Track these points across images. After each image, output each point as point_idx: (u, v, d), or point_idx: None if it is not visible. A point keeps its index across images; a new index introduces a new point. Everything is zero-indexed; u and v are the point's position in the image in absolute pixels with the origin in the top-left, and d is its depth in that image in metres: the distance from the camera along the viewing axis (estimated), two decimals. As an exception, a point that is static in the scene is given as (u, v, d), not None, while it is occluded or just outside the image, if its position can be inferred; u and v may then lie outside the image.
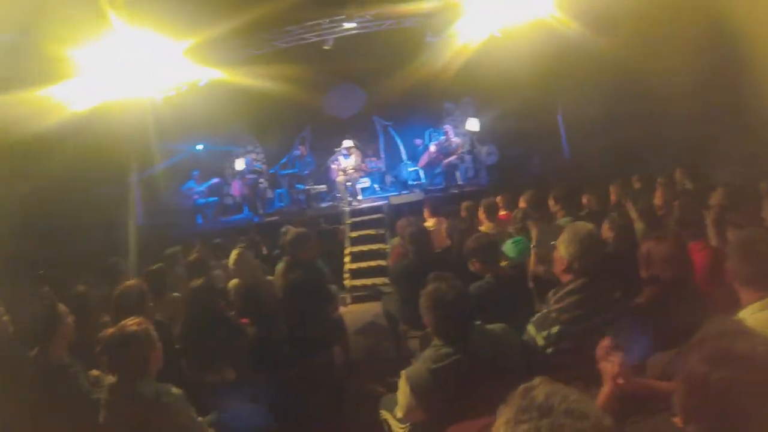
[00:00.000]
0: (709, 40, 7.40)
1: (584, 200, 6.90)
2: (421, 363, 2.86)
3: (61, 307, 3.78)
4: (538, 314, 3.13)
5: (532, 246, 4.88)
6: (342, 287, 9.40)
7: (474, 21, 10.20)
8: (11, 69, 7.65)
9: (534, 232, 5.26)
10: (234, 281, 5.74)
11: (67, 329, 3.72)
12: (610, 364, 2.37)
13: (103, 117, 9.65)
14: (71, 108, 9.09)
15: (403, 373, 2.93)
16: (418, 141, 14.55)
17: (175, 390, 3.05)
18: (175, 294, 5.66)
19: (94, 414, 3.17)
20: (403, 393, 2.88)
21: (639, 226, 5.10)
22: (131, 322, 3.06)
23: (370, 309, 8.51)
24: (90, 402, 3.42)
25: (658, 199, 6.02)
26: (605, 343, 2.42)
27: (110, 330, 3.08)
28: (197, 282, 4.55)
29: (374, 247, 10.31)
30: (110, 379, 3.07)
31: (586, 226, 3.25)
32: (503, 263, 4.40)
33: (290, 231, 7.55)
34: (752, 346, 1.55)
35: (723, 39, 7.18)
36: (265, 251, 7.51)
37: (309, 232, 5.49)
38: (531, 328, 3.08)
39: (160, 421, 2.91)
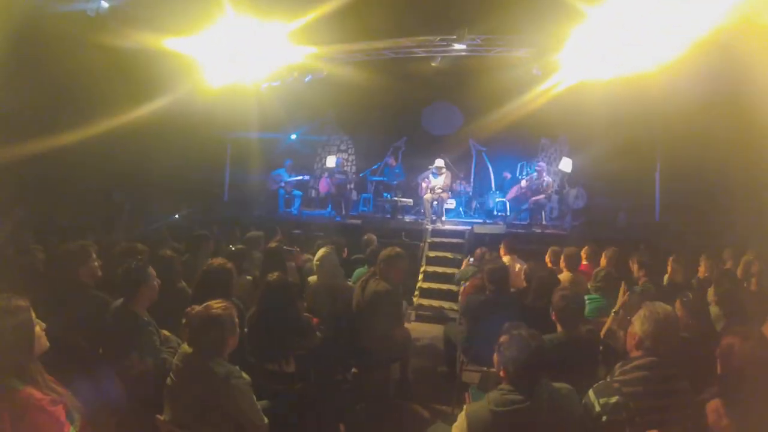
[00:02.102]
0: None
1: (669, 269, 6.70)
2: (485, 403, 2.89)
3: (151, 269, 4.12)
4: (601, 382, 3.13)
5: (613, 310, 4.82)
6: (409, 303, 9.45)
7: (584, 63, 10.09)
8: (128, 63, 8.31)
9: (621, 298, 5.16)
10: (313, 278, 5.93)
11: (151, 291, 4.06)
12: None
13: (211, 105, 10.22)
14: (186, 99, 9.69)
15: (465, 407, 2.99)
16: (507, 174, 14.46)
17: (244, 375, 3.23)
18: (248, 277, 5.92)
19: (160, 372, 3.48)
20: (459, 428, 2.92)
21: (714, 310, 4.91)
22: (218, 305, 3.28)
23: (431, 330, 8.56)
24: (158, 360, 3.74)
25: (753, 286, 5.80)
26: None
27: (198, 308, 3.29)
28: (274, 275, 4.70)
29: (449, 270, 10.30)
30: (185, 348, 3.26)
31: (664, 307, 3.22)
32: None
33: (372, 241, 7.77)
34: None
35: None
36: (345, 254, 7.66)
37: (403, 255, 5.48)
38: (591, 394, 3.08)
39: (225, 400, 3.10)
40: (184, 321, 3.29)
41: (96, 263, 4.68)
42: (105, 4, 8.19)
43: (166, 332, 4.13)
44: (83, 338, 3.78)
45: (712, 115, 8.88)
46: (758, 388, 3.15)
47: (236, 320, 3.34)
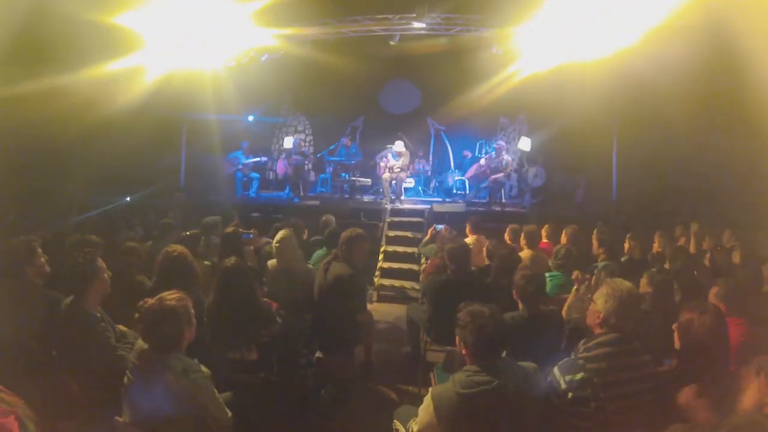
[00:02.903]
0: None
1: (626, 246, 6.82)
2: (450, 385, 2.89)
3: (100, 262, 3.91)
4: (566, 359, 3.14)
5: (574, 288, 4.86)
6: (371, 284, 9.43)
7: (545, 47, 10.14)
8: (72, 39, 7.87)
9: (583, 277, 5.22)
10: (273, 262, 5.82)
11: (102, 285, 3.86)
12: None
13: (164, 86, 9.89)
14: (137, 79, 9.35)
15: (431, 390, 2.97)
16: (467, 153, 14.49)
17: (203, 368, 3.12)
18: (207, 262, 5.79)
19: (117, 370, 3.28)
20: (425, 410, 2.91)
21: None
22: (172, 297, 3.12)
23: (393, 311, 8.56)
24: (114, 358, 3.57)
25: (707, 261, 5.95)
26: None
27: (150, 301, 3.13)
28: (230, 260, 4.59)
29: (409, 249, 10.31)
30: (141, 344, 3.12)
31: (626, 284, 3.25)
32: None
33: (330, 222, 7.68)
34: None
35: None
36: (304, 236, 7.56)
37: (365, 235, 5.40)
38: (556, 371, 3.10)
39: (184, 395, 2.97)
40: (136, 315, 3.13)
41: (42, 259, 4.45)
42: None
43: (122, 327, 3.99)
44: (34, 341, 3.62)
45: (665, 99, 9.07)
46: (715, 360, 3.22)
47: (192, 311, 3.20)
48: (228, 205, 11.30)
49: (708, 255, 6.44)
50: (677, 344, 3.38)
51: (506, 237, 7.32)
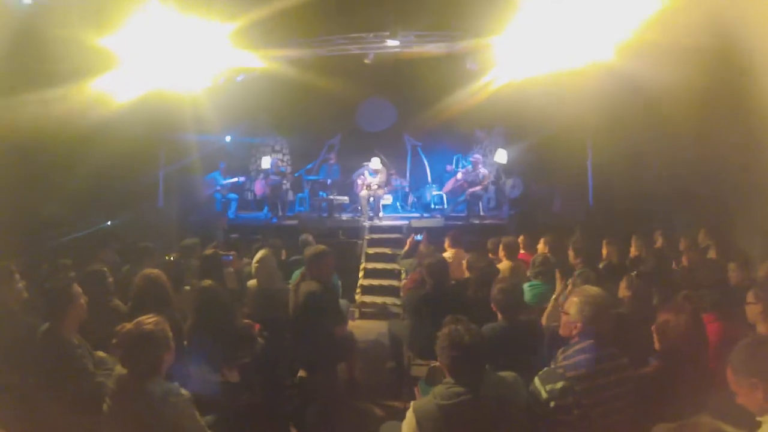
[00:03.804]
0: (750, 107, 7.41)
1: (604, 251, 6.90)
2: (431, 398, 2.90)
3: (75, 288, 3.86)
4: (546, 369, 3.17)
5: (553, 297, 4.91)
6: (352, 302, 9.40)
7: (518, 61, 10.28)
8: (48, 59, 7.79)
9: (559, 286, 5.27)
10: (253, 282, 5.80)
11: (78, 310, 3.81)
12: None
13: (140, 106, 9.81)
14: (111, 99, 9.26)
15: (412, 404, 2.97)
16: (450, 167, 14.53)
17: (183, 391, 3.06)
18: (187, 287, 5.74)
19: (97, 398, 3.21)
20: (408, 424, 2.92)
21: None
22: (149, 321, 3.07)
23: (376, 327, 8.52)
24: (93, 385, 3.52)
25: (684, 261, 6.03)
26: None
27: (128, 326, 3.07)
28: (207, 282, 4.57)
29: (389, 266, 10.31)
30: (119, 369, 3.07)
31: (596, 290, 3.31)
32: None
33: (309, 242, 7.67)
34: None
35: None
36: (283, 256, 7.54)
37: (329, 251, 5.42)
38: (537, 381, 3.11)
39: (165, 420, 2.92)
40: (114, 341, 3.07)
41: (20, 284, 4.40)
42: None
43: (101, 353, 3.93)
44: (12, 370, 3.56)
45: (638, 108, 9.30)
46: (694, 358, 3.27)
47: (170, 335, 3.14)
48: (210, 225, 11.26)
49: (684, 256, 6.53)
50: (657, 346, 3.43)
51: (487, 250, 7.35)
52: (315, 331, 5.05)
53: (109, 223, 10.84)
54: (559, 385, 2.99)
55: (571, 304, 3.25)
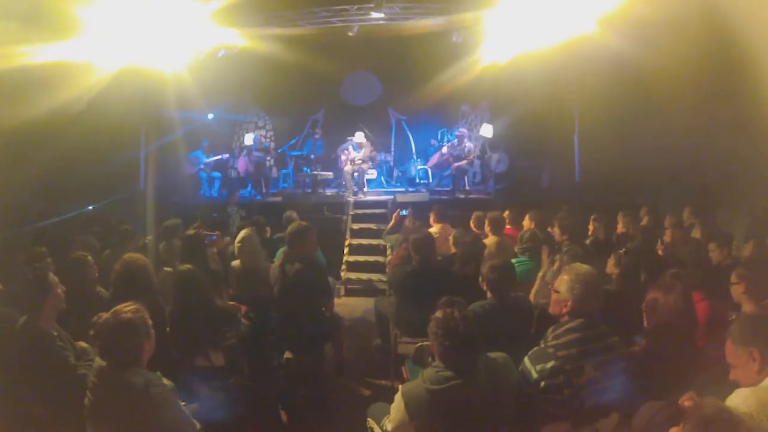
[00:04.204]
0: (737, 82, 7.39)
1: (591, 227, 6.89)
2: (420, 381, 2.85)
3: (52, 277, 3.72)
4: (536, 348, 3.14)
5: (539, 275, 4.88)
6: (337, 279, 9.36)
7: (504, 34, 10.17)
8: (23, 32, 7.51)
9: (545, 263, 5.24)
10: (237, 263, 5.70)
11: (56, 300, 3.67)
12: None
13: (119, 84, 9.56)
14: (89, 76, 8.99)
15: (401, 387, 2.93)
16: (434, 141, 14.45)
17: (165, 381, 2.99)
18: (168, 269, 5.63)
19: (78, 390, 3.11)
20: (397, 408, 2.88)
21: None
22: (127, 309, 2.96)
23: (362, 304, 8.54)
24: (75, 377, 3.41)
25: (667, 237, 6.04)
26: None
27: (105, 315, 2.96)
28: (186, 266, 4.47)
29: (374, 242, 10.25)
30: (99, 361, 2.97)
31: (586, 268, 3.26)
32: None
33: (293, 219, 7.56)
34: None
35: (753, 83, 7.17)
36: (267, 234, 7.43)
37: (310, 226, 5.32)
38: (527, 361, 3.09)
39: (148, 411, 2.85)
40: (91, 332, 2.95)
41: None
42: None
43: (83, 344, 3.80)
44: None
45: (624, 81, 9.26)
46: (683, 337, 3.26)
47: (149, 322, 3.04)
48: (190, 205, 11.11)
49: (667, 232, 6.54)
50: (646, 324, 3.41)
51: (471, 224, 7.30)
52: (304, 310, 4.99)
53: (90, 207, 10.65)
54: (550, 364, 2.97)
55: (561, 282, 3.21)
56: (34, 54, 7.92)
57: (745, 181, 7.75)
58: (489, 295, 4.24)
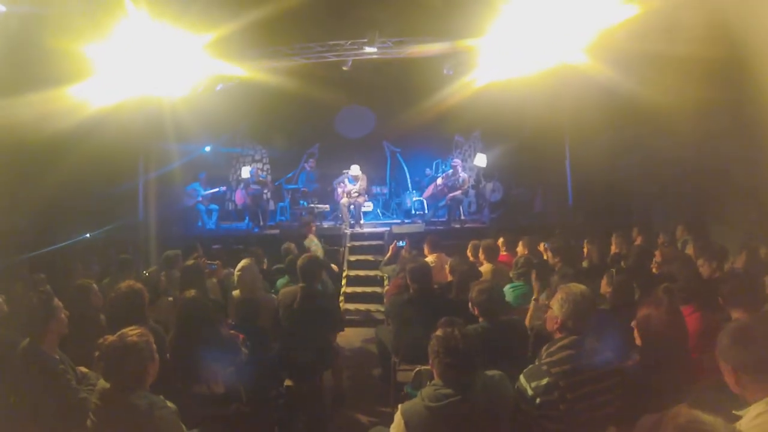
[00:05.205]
0: (724, 105, 7.55)
1: (585, 250, 6.96)
2: (419, 399, 2.90)
3: (56, 302, 3.78)
4: (531, 366, 3.20)
5: (533, 298, 4.95)
6: (336, 309, 9.34)
7: (494, 64, 10.35)
8: (25, 66, 7.65)
9: (535, 286, 5.31)
10: (236, 292, 5.76)
11: (59, 325, 3.73)
12: None
13: (117, 115, 9.69)
14: (88, 106, 9.11)
15: (400, 407, 2.97)
16: (429, 171, 14.59)
17: (169, 404, 3.03)
18: (170, 298, 5.69)
19: (80, 414, 3.15)
20: (396, 426, 2.92)
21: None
22: (133, 332, 3.01)
23: (360, 335, 8.54)
24: (76, 401, 3.45)
25: (657, 256, 6.11)
26: None
27: (111, 338, 3.02)
28: (189, 293, 4.52)
29: (371, 273, 10.33)
30: (102, 383, 3.01)
31: (579, 287, 3.34)
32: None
33: (291, 251, 7.64)
34: None
35: (739, 106, 7.31)
36: (265, 265, 7.51)
37: (317, 257, 5.43)
38: (522, 379, 3.15)
39: (150, 434, 2.87)
40: (97, 354, 3.00)
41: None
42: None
43: (83, 369, 3.85)
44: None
45: (612, 109, 9.42)
46: (676, 350, 3.32)
47: (154, 346, 3.09)
48: (189, 237, 11.15)
49: (658, 251, 6.61)
50: (638, 340, 3.47)
51: (468, 253, 7.37)
52: (311, 338, 5.06)
53: (88, 235, 10.69)
54: (545, 381, 3.03)
55: (554, 300, 3.32)
56: (34, 86, 8.07)
57: (737, 196, 7.86)
58: (480, 319, 4.30)
